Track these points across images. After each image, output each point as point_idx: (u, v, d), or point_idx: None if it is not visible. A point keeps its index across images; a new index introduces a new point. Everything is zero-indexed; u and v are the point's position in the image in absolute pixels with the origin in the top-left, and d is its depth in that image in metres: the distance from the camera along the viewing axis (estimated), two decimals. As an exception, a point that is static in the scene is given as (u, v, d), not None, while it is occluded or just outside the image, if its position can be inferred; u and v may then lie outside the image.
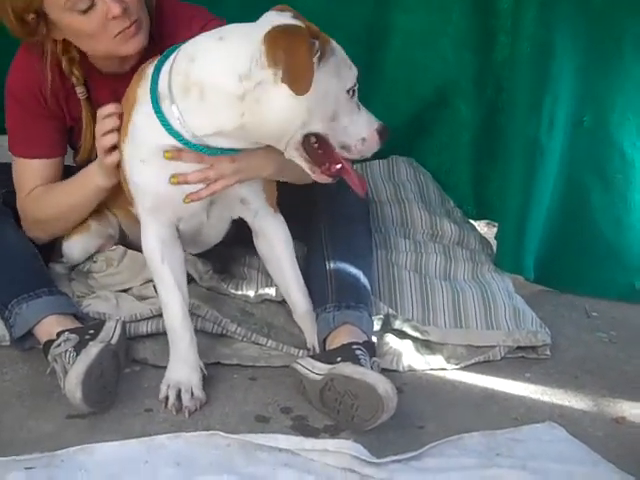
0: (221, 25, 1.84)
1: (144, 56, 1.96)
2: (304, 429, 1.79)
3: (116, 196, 2.08)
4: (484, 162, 2.79)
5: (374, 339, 2.01)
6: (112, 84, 2.02)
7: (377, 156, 2.76)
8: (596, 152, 2.43)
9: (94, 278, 2.18)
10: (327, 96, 1.69)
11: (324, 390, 1.79)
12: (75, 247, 2.16)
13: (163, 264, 1.89)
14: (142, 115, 1.80)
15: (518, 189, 2.39)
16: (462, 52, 2.73)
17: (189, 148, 1.76)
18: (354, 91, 1.75)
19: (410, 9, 2.74)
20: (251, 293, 2.19)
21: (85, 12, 1.88)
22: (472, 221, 2.77)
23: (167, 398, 1.82)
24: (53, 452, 1.65)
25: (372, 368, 1.80)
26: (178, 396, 1.81)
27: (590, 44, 2.34)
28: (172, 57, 1.77)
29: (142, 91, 1.81)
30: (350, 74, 1.75)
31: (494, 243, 2.58)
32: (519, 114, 2.38)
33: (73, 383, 1.71)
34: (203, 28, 1.88)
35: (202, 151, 1.77)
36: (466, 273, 2.38)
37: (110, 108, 1.87)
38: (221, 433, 1.72)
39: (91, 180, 2.02)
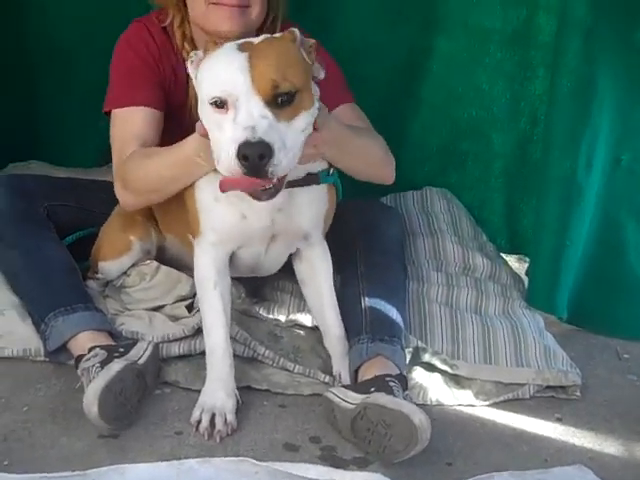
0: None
1: None
2: (333, 460, 1.79)
3: (171, 218, 2.11)
4: (518, 195, 2.79)
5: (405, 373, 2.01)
6: None
7: (411, 187, 2.83)
8: (632, 191, 2.42)
9: (127, 293, 2.19)
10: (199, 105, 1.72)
11: (356, 419, 1.79)
12: (113, 267, 2.18)
13: (215, 290, 1.91)
14: None
15: (553, 226, 2.38)
16: (497, 82, 2.73)
17: None
18: (223, 102, 1.63)
19: (452, 35, 2.75)
20: (282, 317, 2.20)
21: None
22: (504, 255, 2.76)
23: (199, 422, 1.82)
24: (84, 471, 1.66)
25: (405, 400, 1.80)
26: (211, 420, 1.82)
27: (631, 81, 2.33)
28: None
29: None
30: (212, 86, 1.66)
31: (525, 278, 2.58)
32: (556, 149, 2.37)
33: (91, 398, 1.73)
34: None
35: None
36: (497, 308, 2.38)
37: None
38: (250, 460, 1.73)
39: (187, 163, 1.88)
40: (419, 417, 1.71)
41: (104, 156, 2.75)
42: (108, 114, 2.13)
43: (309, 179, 1.90)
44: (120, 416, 1.80)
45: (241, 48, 1.67)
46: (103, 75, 2.51)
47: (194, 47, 2.12)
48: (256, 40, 1.72)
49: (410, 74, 2.80)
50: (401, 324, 2.07)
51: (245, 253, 1.98)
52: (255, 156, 1.56)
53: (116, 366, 1.80)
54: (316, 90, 1.77)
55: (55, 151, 3.01)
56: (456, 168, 2.85)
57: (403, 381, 1.90)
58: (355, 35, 2.72)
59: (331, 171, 1.95)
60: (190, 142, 1.85)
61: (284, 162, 1.59)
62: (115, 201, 2.18)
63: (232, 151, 1.57)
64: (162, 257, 2.23)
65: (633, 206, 2.43)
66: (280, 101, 1.62)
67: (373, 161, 2.07)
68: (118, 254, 2.17)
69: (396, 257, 2.20)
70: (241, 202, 1.82)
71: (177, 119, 2.11)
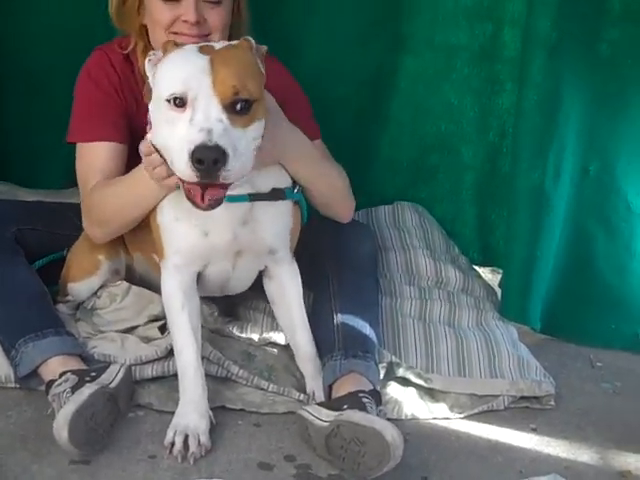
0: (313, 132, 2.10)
1: None
2: (308, 478, 1.78)
3: (137, 238, 2.11)
4: (489, 208, 2.81)
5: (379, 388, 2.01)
6: None
7: (382, 202, 2.84)
8: (601, 200, 2.44)
9: (98, 315, 2.18)
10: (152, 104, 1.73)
11: (330, 436, 1.78)
12: (82, 288, 2.17)
13: (182, 311, 1.91)
14: None
15: (523, 237, 2.40)
16: (465, 97, 2.76)
17: None
18: (181, 100, 1.63)
19: (419, 52, 2.77)
20: (255, 336, 2.20)
21: (167, 2, 2.00)
22: (477, 268, 2.77)
23: (173, 444, 1.81)
24: (56, 498, 1.64)
25: (378, 416, 1.80)
26: (184, 442, 1.80)
27: (596, 93, 2.36)
28: None
29: None
30: (172, 82, 1.65)
31: (498, 290, 2.59)
32: (524, 161, 2.39)
33: (61, 422, 1.71)
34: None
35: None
36: (470, 320, 2.39)
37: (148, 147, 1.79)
38: (225, 481, 1.72)
39: (145, 187, 1.88)
40: (391, 433, 1.71)
41: (70, 179, 2.77)
42: (73, 143, 2.14)
43: (274, 194, 1.90)
44: (91, 441, 1.78)
45: (203, 51, 1.70)
46: (69, 98, 2.52)
47: None
48: (217, 45, 1.75)
49: (378, 91, 2.81)
50: (374, 340, 2.07)
51: (212, 272, 1.98)
52: (210, 160, 1.56)
53: (87, 391, 1.78)
54: (271, 98, 1.82)
55: (22, 172, 3.00)
56: (427, 182, 2.86)
57: (377, 397, 1.90)
58: (322, 55, 2.73)
59: (296, 189, 1.96)
60: (140, 165, 1.87)
61: (237, 168, 1.60)
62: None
63: (185, 153, 1.57)
64: (131, 277, 2.22)
65: (602, 215, 2.46)
66: (238, 108, 1.64)
67: (336, 188, 2.10)
68: (87, 274, 2.15)
69: (368, 273, 2.20)
70: (202, 219, 1.83)
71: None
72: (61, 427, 1.71)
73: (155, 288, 2.15)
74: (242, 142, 1.64)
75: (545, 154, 2.35)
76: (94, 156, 2.08)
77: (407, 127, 2.83)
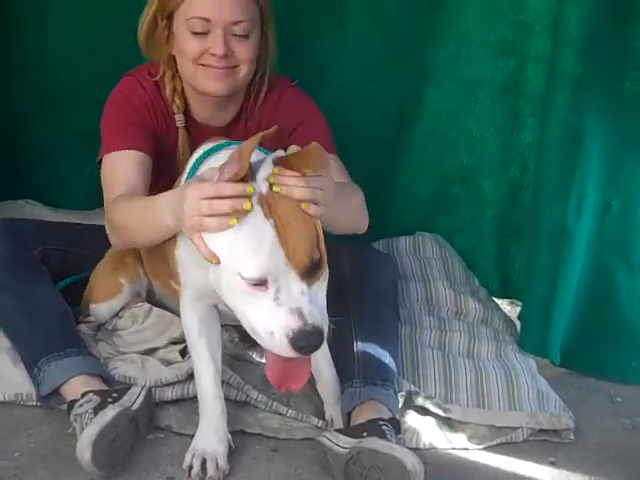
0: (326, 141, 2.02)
1: (236, 118, 2.19)
2: (326, 504, 1.79)
3: (153, 265, 2.12)
4: (509, 241, 2.81)
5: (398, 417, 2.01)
6: (205, 136, 2.07)
7: (403, 232, 2.85)
8: (623, 237, 2.44)
9: (119, 335, 2.19)
10: (222, 268, 1.62)
11: (349, 463, 1.78)
12: (104, 310, 2.19)
13: (200, 338, 1.91)
14: None
15: (544, 271, 2.40)
16: (487, 130, 2.77)
17: None
18: (260, 284, 1.56)
19: (442, 85, 2.79)
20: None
21: (196, 35, 2.03)
22: (496, 299, 2.78)
23: (191, 467, 1.81)
24: (74, 517, 1.65)
25: (398, 444, 1.80)
26: (202, 465, 1.80)
27: (619, 129, 2.37)
28: (214, 155, 1.82)
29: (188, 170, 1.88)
30: (246, 264, 1.56)
31: (517, 322, 2.59)
32: (546, 196, 2.40)
33: (84, 444, 1.72)
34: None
35: None
36: (490, 352, 2.38)
37: (209, 190, 1.60)
38: (242, 506, 1.72)
39: (162, 217, 1.78)
40: (411, 461, 1.71)
41: (95, 199, 2.80)
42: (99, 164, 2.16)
43: None
44: (113, 462, 1.78)
45: (266, 210, 1.58)
46: (94, 119, 2.55)
47: (184, 101, 2.17)
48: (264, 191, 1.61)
49: (401, 122, 2.84)
50: (394, 369, 2.07)
51: (225, 307, 1.98)
52: (312, 347, 1.56)
53: (111, 412, 1.79)
54: None
55: (47, 192, 3.04)
56: (447, 213, 2.88)
57: (396, 425, 1.90)
58: (347, 84, 2.77)
59: None
60: (163, 203, 1.78)
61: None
62: (106, 245, 2.20)
63: (284, 338, 1.54)
64: (152, 299, 2.24)
65: (624, 251, 2.45)
66: (313, 267, 1.59)
67: (355, 214, 2.09)
68: (109, 296, 2.18)
69: (389, 302, 2.21)
70: None
71: (168, 170, 2.14)
72: (85, 448, 1.72)
73: (174, 312, 2.17)
74: (319, 295, 1.61)
75: (567, 189, 2.35)
76: (120, 165, 2.07)
77: (429, 158, 2.85)
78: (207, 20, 2.01)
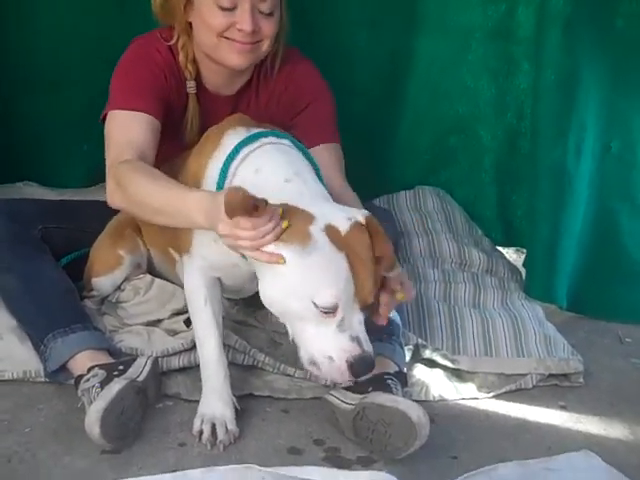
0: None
1: (246, 87, 2.17)
2: (337, 461, 1.79)
3: (152, 231, 2.12)
4: (510, 188, 2.80)
5: (405, 370, 2.01)
6: (215, 104, 2.08)
7: (403, 187, 2.84)
8: (624, 177, 2.43)
9: (123, 308, 2.19)
10: (289, 288, 1.61)
11: (356, 419, 1.79)
12: (106, 283, 2.19)
13: (206, 306, 1.90)
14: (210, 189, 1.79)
15: (546, 216, 2.39)
16: (481, 78, 2.75)
17: None
18: (333, 312, 1.59)
19: (433, 35, 2.77)
20: (280, 324, 2.18)
21: (223, 9, 1.99)
22: (501, 248, 2.76)
23: (201, 432, 1.82)
24: (89, 488, 1.66)
25: (404, 397, 1.81)
26: (212, 430, 1.82)
27: (615, 69, 2.35)
28: (240, 156, 1.79)
29: (215, 166, 1.81)
30: (323, 292, 1.58)
31: (523, 270, 2.58)
32: (544, 141, 2.39)
33: (92, 419, 1.73)
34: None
35: None
36: (495, 301, 2.38)
37: (268, 224, 1.58)
38: (255, 466, 1.72)
39: (193, 214, 1.73)
40: (417, 413, 1.71)
41: (93, 178, 2.79)
42: (103, 122, 2.10)
43: None
44: (122, 434, 1.79)
45: (336, 243, 1.59)
46: (88, 98, 2.54)
47: (196, 68, 2.15)
48: (342, 227, 1.62)
49: (394, 76, 2.81)
50: (399, 322, 2.07)
51: (229, 281, 1.97)
52: (366, 372, 1.62)
53: (116, 386, 1.79)
54: None
55: (44, 172, 3.03)
56: (446, 165, 2.86)
57: (402, 378, 1.90)
58: (337, 41, 2.74)
59: None
60: (195, 201, 1.73)
61: None
62: (107, 220, 2.20)
63: (343, 362, 1.60)
64: (152, 270, 2.24)
65: (626, 191, 2.44)
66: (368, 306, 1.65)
67: None
68: (110, 269, 2.18)
69: None
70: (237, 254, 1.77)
71: (174, 135, 2.12)
72: (93, 423, 1.73)
73: (171, 280, 2.18)
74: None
75: (565, 132, 2.34)
76: (131, 126, 2.02)
77: (424, 111, 2.83)
78: None
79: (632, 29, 2.33)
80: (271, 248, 1.59)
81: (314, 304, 1.58)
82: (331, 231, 1.60)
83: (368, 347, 1.62)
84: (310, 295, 1.58)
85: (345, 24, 2.74)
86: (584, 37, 2.30)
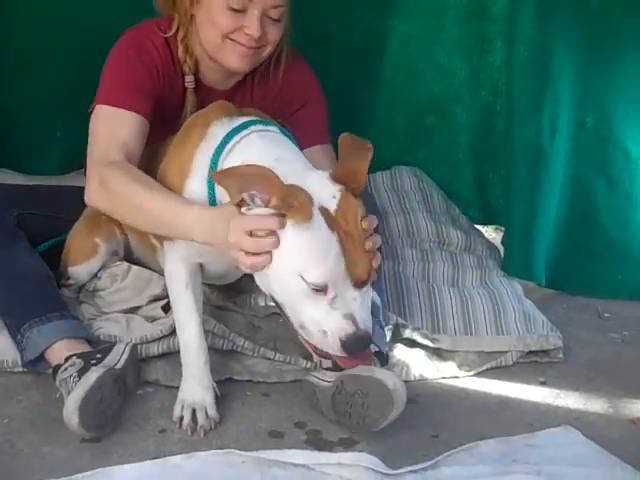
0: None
1: (242, 83, 2.17)
2: (318, 443, 1.79)
3: None
4: (486, 166, 2.81)
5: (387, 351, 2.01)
6: (210, 98, 2.04)
7: (380, 167, 2.83)
8: (600, 152, 2.44)
9: (100, 296, 2.17)
10: (279, 267, 1.62)
11: (335, 395, 1.80)
12: (82, 271, 2.16)
13: (187, 290, 1.89)
14: (198, 182, 1.80)
15: (523, 193, 2.39)
16: (455, 57, 2.75)
17: None
18: (323, 290, 1.59)
19: (406, 15, 2.76)
20: (259, 308, 2.19)
21: (232, 10, 1.97)
22: (479, 227, 2.77)
23: (181, 418, 1.81)
24: (69, 477, 1.64)
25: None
26: (193, 416, 1.81)
27: (588, 45, 2.35)
28: (228, 147, 1.78)
29: (202, 158, 1.80)
30: (313, 269, 1.58)
31: (501, 248, 2.58)
32: (519, 118, 2.39)
33: (71, 409, 1.71)
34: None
35: None
36: (474, 279, 2.39)
37: (271, 223, 1.60)
38: (236, 451, 1.71)
39: (189, 231, 1.74)
40: (393, 381, 1.72)
41: (67, 165, 2.76)
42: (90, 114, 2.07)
43: None
44: (102, 423, 1.78)
45: (329, 223, 1.60)
46: (59, 86, 2.49)
47: (195, 61, 2.12)
48: (332, 206, 1.61)
49: (368, 56, 2.81)
50: (379, 303, 2.06)
51: (214, 267, 1.96)
52: (361, 349, 1.62)
53: (94, 375, 1.77)
54: None
55: (17, 159, 2.99)
56: (423, 145, 2.87)
57: (383, 358, 1.90)
58: (311, 22, 2.70)
59: None
60: (193, 218, 1.73)
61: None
62: (83, 206, 2.17)
63: (336, 339, 1.61)
64: (129, 256, 2.22)
65: (602, 166, 2.46)
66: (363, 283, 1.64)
67: None
68: (85, 257, 2.15)
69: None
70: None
71: (168, 129, 2.06)
72: (71, 413, 1.71)
73: (150, 267, 2.16)
74: (367, 303, 1.66)
75: (540, 109, 2.34)
76: (121, 124, 1.98)
77: (400, 91, 2.83)
78: (250, 0, 1.96)
79: (605, 5, 2.34)
80: None
81: (304, 279, 1.59)
82: (325, 212, 1.61)
83: (364, 325, 1.61)
84: (300, 270, 1.58)
85: (319, 5, 2.71)
86: (558, 13, 2.30)
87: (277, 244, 1.59)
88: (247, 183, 1.59)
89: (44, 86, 2.87)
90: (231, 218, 1.63)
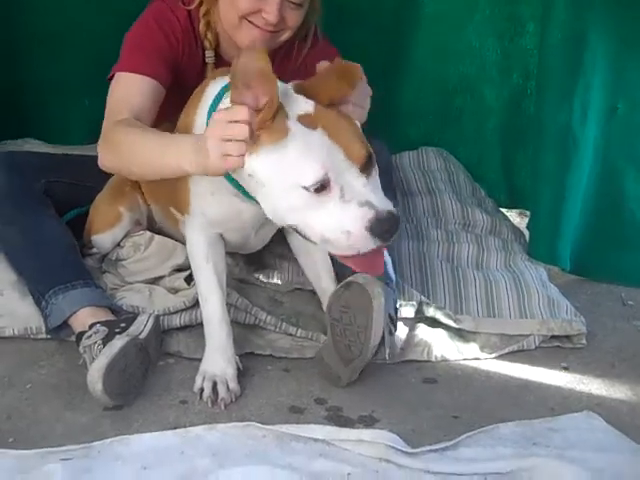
0: None
1: None
2: (339, 419, 1.79)
3: (155, 190, 2.11)
4: (514, 150, 2.79)
5: (402, 314, 2.03)
6: None
7: (407, 147, 2.81)
8: (630, 139, 2.40)
9: (123, 266, 2.18)
10: (277, 190, 1.60)
11: (334, 334, 1.82)
12: (106, 240, 2.17)
13: (208, 263, 1.90)
14: None
15: (551, 178, 2.37)
16: (487, 39, 2.72)
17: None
18: (322, 187, 1.55)
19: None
20: (282, 283, 2.20)
21: None
22: (504, 210, 2.75)
23: (202, 390, 1.82)
24: (89, 444, 1.65)
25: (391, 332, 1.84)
26: (213, 388, 1.81)
27: (622, 30, 2.31)
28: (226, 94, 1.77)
29: (202, 115, 1.81)
30: (306, 171, 1.55)
31: (526, 232, 2.57)
32: (550, 102, 2.36)
33: (95, 376, 1.73)
34: None
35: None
36: (499, 262, 2.37)
37: (243, 114, 1.56)
38: (256, 424, 1.72)
39: (179, 160, 1.72)
40: (362, 277, 1.76)
41: (95, 134, 2.76)
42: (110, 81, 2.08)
43: None
44: (125, 391, 1.79)
45: (310, 124, 1.58)
46: (91, 58, 2.48)
47: (216, 37, 2.13)
48: (310, 108, 1.60)
49: (398, 36, 2.80)
50: (389, 262, 2.02)
51: (234, 236, 1.97)
52: (392, 231, 1.56)
53: (118, 343, 1.79)
54: None
55: (46, 129, 3.01)
56: (451, 126, 2.85)
57: (391, 321, 1.89)
58: (341, 2, 2.69)
59: None
60: (185, 145, 1.71)
61: None
62: (108, 175, 2.17)
63: (362, 230, 1.54)
64: (152, 226, 2.22)
65: (631, 154, 2.42)
66: (367, 164, 1.59)
67: None
68: (109, 226, 2.16)
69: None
70: (238, 198, 1.78)
71: (180, 101, 2.07)
72: (96, 380, 1.73)
73: (174, 237, 2.17)
74: (378, 186, 1.60)
75: (571, 94, 2.31)
76: (133, 88, 2.01)
77: (429, 71, 2.81)
78: None
79: (640, -9, 2.29)
80: (252, 157, 1.58)
81: (305, 189, 1.55)
82: (302, 118, 1.58)
83: (384, 205, 1.55)
84: (297, 182, 1.55)
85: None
86: (592, -3, 2.26)
87: (246, 132, 1.55)
88: (248, 77, 1.55)
89: (69, 58, 2.88)
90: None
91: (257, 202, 1.68)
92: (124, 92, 2.01)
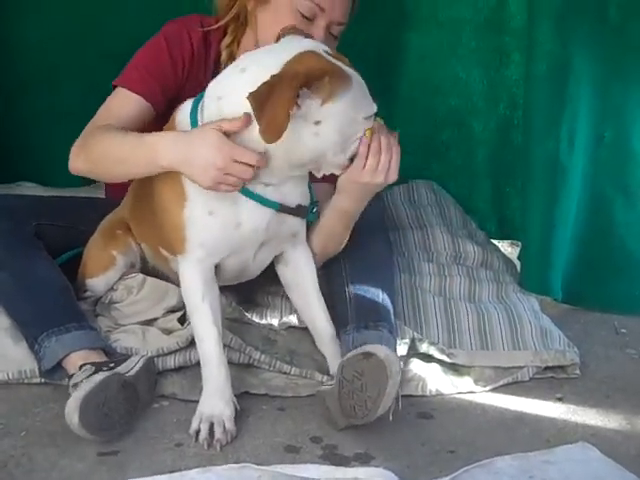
0: None
1: None
2: (335, 458, 1.78)
3: (143, 230, 2.12)
4: (503, 181, 2.81)
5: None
6: None
7: (397, 181, 2.82)
8: (618, 167, 2.42)
9: (116, 308, 2.18)
10: (338, 133, 1.78)
11: (341, 391, 1.79)
12: (100, 283, 2.17)
13: (203, 302, 1.90)
14: None
15: (540, 208, 2.38)
16: (472, 71, 2.75)
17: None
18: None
19: (423, 28, 2.78)
20: (275, 321, 2.19)
21: (301, 16, 2.02)
22: (495, 241, 2.76)
23: (198, 432, 1.81)
24: (85, 491, 1.65)
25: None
26: (210, 430, 1.80)
27: (607, 58, 2.34)
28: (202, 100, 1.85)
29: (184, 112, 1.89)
30: (370, 102, 1.83)
31: (518, 263, 2.58)
32: (537, 132, 2.38)
33: (72, 407, 1.73)
34: None
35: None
36: (491, 294, 2.38)
37: (252, 159, 1.76)
38: (252, 465, 1.71)
39: (155, 157, 1.83)
40: (384, 351, 1.75)
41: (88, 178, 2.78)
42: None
43: (299, 210, 1.93)
44: (105, 426, 1.78)
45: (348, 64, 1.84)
46: (85, 97, 2.50)
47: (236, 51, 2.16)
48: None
49: (385, 70, 2.81)
50: (388, 306, 2.05)
51: (232, 261, 1.97)
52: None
53: (98, 377, 1.79)
54: None
55: (40, 173, 3.02)
56: (440, 158, 2.87)
57: (391, 343, 1.92)
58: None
59: (315, 209, 1.98)
60: (160, 143, 1.83)
61: None
62: (102, 217, 2.19)
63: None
64: (145, 267, 2.22)
65: (620, 181, 2.43)
66: None
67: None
68: (103, 270, 2.16)
69: (378, 233, 2.19)
70: (237, 207, 1.83)
71: None
72: (72, 411, 1.72)
73: (164, 278, 2.17)
74: None
75: (558, 123, 2.33)
76: (126, 106, 2.05)
77: (416, 104, 2.84)
78: (321, 9, 2.00)
79: (624, 19, 2.32)
80: (328, 106, 1.75)
81: (365, 118, 1.82)
82: (339, 58, 1.81)
83: None
84: (366, 113, 1.82)
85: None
86: (576, 27, 2.29)
87: (251, 175, 1.76)
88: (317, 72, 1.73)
89: (66, 98, 2.91)
90: (219, 143, 1.74)
91: (260, 198, 1.84)
92: (117, 106, 2.07)
